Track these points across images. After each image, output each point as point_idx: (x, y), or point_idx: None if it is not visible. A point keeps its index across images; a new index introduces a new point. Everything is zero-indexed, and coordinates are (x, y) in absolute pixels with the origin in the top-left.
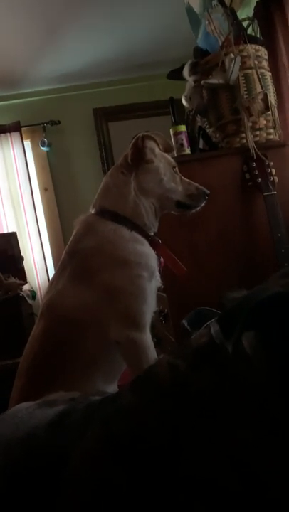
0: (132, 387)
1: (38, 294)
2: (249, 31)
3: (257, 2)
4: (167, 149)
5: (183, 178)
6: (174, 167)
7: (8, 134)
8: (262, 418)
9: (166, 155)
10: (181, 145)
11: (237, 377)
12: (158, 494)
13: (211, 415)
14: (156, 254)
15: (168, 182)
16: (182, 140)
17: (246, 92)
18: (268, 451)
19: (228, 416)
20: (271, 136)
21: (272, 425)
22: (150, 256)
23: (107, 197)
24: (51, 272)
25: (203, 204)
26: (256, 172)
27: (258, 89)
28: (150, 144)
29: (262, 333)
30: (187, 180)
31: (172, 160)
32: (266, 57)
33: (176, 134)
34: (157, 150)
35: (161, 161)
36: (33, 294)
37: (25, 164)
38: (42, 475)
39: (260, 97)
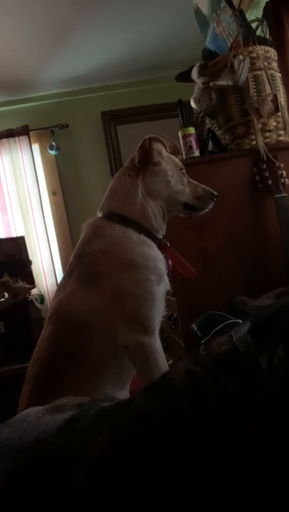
0: (146, 392)
1: (47, 298)
2: (258, 32)
3: (266, 3)
4: (174, 151)
5: (190, 180)
6: (181, 169)
7: (16, 137)
8: (283, 429)
9: (173, 157)
10: (190, 147)
11: (260, 387)
12: (165, 499)
13: (229, 423)
14: (165, 257)
15: (175, 184)
16: (191, 142)
17: (256, 94)
18: (285, 462)
19: (247, 425)
20: (281, 138)
21: None
22: (158, 259)
23: (115, 200)
24: (59, 276)
25: (211, 206)
26: (266, 174)
27: (268, 90)
28: (157, 146)
29: None
30: (195, 182)
31: (179, 162)
32: (276, 58)
33: (185, 136)
34: (164, 152)
35: (169, 163)
36: (41, 298)
37: (33, 168)
38: (50, 480)
39: (270, 98)
